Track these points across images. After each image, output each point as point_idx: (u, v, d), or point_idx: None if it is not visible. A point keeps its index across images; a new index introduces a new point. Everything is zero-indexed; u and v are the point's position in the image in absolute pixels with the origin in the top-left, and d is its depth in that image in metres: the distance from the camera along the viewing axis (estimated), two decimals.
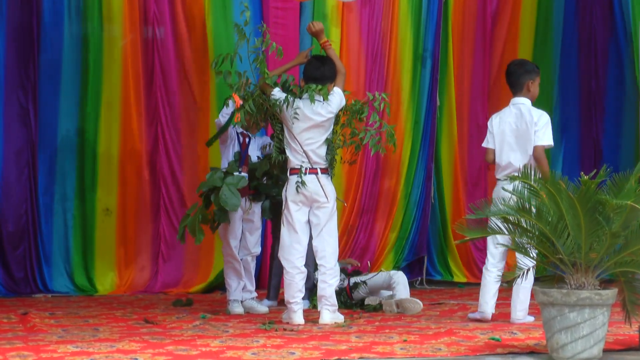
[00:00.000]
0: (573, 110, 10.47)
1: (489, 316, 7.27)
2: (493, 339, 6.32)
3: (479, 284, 9.79)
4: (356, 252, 9.75)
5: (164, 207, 9.36)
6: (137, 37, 9.25)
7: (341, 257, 9.51)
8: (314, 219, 7.26)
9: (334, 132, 7.30)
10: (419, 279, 10.09)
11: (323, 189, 7.20)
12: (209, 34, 9.35)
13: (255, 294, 8.07)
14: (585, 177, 5.47)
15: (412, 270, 10.12)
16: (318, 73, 7.28)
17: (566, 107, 10.43)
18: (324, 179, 7.22)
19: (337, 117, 7.28)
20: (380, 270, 8.61)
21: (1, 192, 9.11)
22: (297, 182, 7.15)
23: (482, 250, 9.98)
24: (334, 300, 7.26)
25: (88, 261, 9.29)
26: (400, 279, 8.16)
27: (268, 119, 7.38)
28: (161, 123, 9.33)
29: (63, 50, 9.15)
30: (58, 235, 9.24)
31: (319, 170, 7.20)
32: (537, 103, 7.42)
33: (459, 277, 10.14)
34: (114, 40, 9.24)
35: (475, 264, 10.14)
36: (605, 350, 5.66)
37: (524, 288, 7.07)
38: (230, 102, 7.35)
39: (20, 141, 9.13)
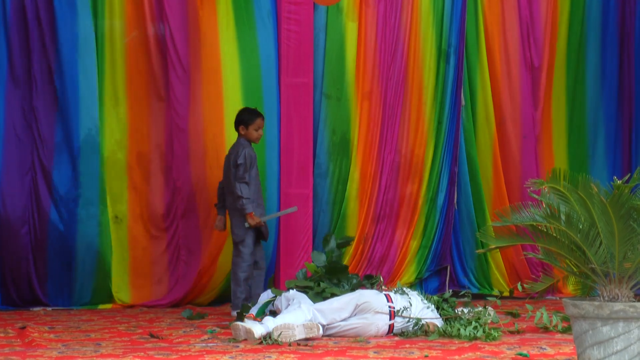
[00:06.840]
0: (612, 107, 10.40)
1: None
2: (521, 354, 6.32)
3: (514, 298, 9.77)
4: (373, 263, 9.69)
5: (176, 215, 9.34)
6: (145, 33, 9.24)
7: (356, 269, 9.54)
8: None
9: None
10: (450, 291, 9.99)
11: None
12: (222, 30, 9.40)
13: None
14: (619, 182, 5.42)
15: (439, 280, 10.10)
16: None
17: (604, 105, 10.37)
18: None
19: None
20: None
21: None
22: None
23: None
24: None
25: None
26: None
27: None
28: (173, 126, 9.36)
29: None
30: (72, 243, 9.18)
31: None
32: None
33: (504, 289, 9.97)
34: (116, 38, 9.26)
35: (519, 275, 9.94)
36: None
37: None
38: None
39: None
